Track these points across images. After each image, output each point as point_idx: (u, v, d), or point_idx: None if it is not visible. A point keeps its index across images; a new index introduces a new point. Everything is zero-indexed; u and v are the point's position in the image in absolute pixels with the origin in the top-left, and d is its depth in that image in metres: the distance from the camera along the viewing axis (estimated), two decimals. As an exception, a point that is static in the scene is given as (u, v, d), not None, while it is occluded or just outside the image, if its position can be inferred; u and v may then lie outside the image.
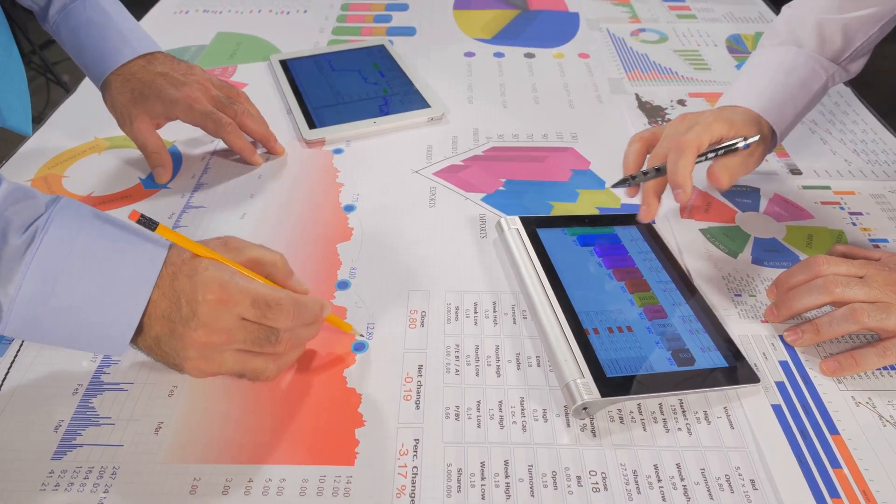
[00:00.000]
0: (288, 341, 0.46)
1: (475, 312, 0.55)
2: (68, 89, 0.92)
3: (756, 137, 0.59)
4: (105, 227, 0.44)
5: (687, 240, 0.63)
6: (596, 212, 0.66)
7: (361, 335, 0.53)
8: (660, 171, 0.59)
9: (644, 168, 0.61)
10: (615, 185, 0.60)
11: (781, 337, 0.53)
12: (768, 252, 0.61)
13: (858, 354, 0.50)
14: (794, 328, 0.53)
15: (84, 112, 0.81)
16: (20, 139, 0.75)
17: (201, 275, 0.43)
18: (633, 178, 0.59)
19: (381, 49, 0.92)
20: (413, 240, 0.62)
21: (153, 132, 0.68)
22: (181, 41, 0.96)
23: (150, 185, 0.69)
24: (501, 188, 0.69)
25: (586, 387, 0.47)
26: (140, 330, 0.43)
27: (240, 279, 0.44)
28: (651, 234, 0.61)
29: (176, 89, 0.66)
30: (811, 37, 0.65)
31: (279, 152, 0.72)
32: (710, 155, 0.59)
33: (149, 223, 0.43)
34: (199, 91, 0.68)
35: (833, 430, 0.47)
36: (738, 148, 0.59)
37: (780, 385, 0.50)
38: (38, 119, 0.78)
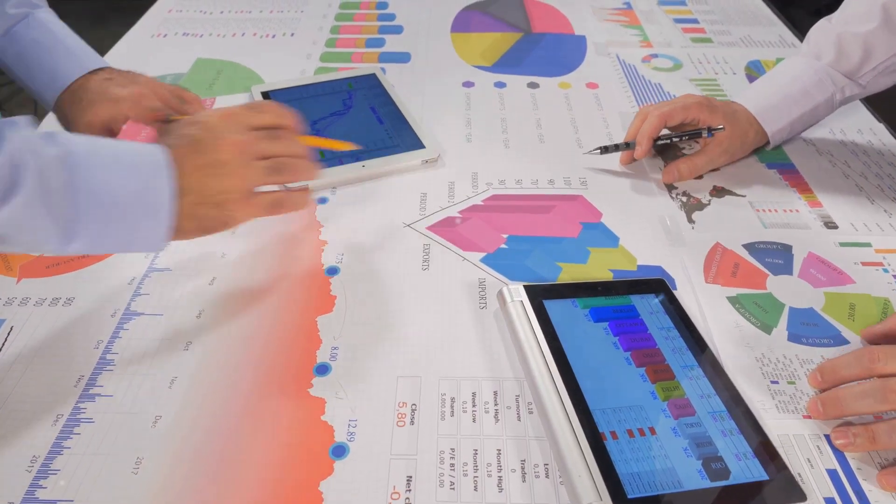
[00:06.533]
0: (289, 167, 0.51)
1: (473, 406, 0.48)
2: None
3: (721, 128, 0.66)
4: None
5: (713, 310, 0.55)
6: (610, 275, 0.58)
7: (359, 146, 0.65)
8: (629, 146, 0.68)
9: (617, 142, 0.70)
10: (589, 152, 0.69)
11: (828, 437, 0.46)
12: (806, 326, 0.54)
13: (923, 467, 0.43)
14: (845, 430, 0.45)
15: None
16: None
17: (194, 119, 0.49)
18: (606, 148, 0.68)
19: (373, 78, 0.85)
20: (404, 312, 0.55)
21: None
22: (158, 68, 0.89)
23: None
24: (503, 245, 0.61)
25: (604, 513, 0.39)
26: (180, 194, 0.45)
27: None
28: (672, 304, 0.54)
29: (122, 88, 0.64)
30: (830, 50, 0.68)
31: None
32: (675, 139, 0.68)
33: None
34: (147, 89, 0.65)
35: (896, 564, 0.40)
36: (701, 135, 0.67)
37: (830, 502, 0.43)
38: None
